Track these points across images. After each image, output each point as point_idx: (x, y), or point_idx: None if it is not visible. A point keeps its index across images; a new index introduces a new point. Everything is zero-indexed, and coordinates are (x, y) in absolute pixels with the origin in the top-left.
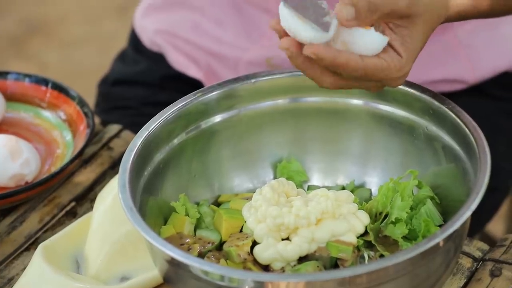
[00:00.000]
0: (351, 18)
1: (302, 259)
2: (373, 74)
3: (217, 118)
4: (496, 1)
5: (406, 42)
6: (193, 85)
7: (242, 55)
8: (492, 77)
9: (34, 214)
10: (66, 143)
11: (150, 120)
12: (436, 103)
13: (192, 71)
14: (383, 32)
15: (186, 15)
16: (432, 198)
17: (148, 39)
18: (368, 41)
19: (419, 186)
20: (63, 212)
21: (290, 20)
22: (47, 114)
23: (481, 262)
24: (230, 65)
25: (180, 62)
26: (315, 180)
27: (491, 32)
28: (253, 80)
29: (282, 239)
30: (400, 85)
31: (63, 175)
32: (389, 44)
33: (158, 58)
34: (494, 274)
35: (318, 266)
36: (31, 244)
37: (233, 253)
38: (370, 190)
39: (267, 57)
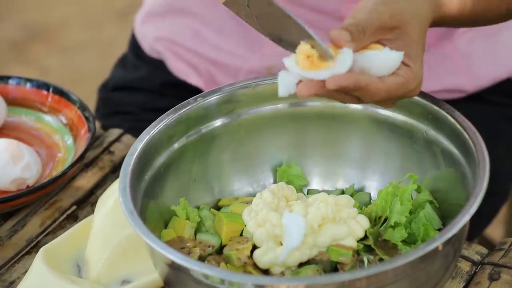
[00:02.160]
0: (349, 40)
1: (302, 263)
2: (395, 93)
3: (217, 123)
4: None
5: (407, 52)
6: (193, 92)
7: (242, 63)
8: (492, 86)
9: (35, 218)
10: (67, 147)
11: (151, 125)
12: (435, 107)
13: (192, 79)
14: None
15: (186, 22)
16: (431, 202)
17: (148, 45)
18: (380, 60)
19: (418, 190)
20: (64, 215)
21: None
22: (48, 118)
23: (480, 265)
24: (231, 73)
25: (180, 69)
26: (315, 184)
27: (490, 40)
28: (253, 85)
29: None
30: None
31: (64, 179)
32: None
33: (158, 65)
34: (493, 278)
35: (317, 270)
36: (32, 247)
37: (233, 256)
38: (370, 194)
39: (267, 66)
